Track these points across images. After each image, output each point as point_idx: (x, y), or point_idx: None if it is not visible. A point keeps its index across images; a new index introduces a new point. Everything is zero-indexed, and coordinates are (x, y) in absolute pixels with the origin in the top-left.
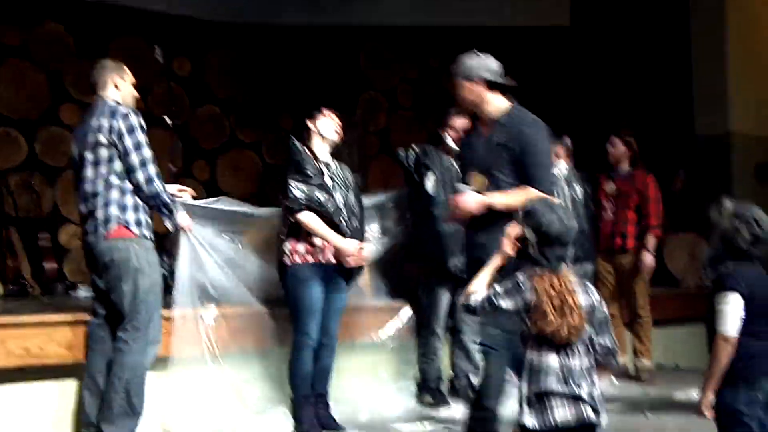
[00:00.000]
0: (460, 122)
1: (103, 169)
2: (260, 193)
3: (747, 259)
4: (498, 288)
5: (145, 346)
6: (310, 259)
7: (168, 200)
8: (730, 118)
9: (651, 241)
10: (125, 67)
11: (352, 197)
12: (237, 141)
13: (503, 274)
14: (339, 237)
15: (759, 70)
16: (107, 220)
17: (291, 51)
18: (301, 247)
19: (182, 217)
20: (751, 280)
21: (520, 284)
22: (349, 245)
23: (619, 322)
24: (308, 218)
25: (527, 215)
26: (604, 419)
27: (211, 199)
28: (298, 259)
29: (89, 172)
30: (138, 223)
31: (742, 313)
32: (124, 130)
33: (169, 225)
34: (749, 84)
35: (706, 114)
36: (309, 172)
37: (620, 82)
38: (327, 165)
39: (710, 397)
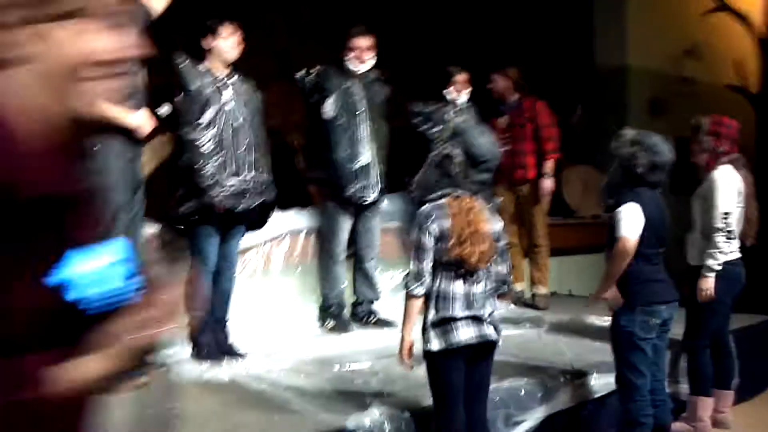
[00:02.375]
0: (362, 41)
1: None
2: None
3: (645, 185)
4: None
5: None
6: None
7: None
8: (628, 52)
9: (548, 165)
10: None
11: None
12: None
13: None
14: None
15: (657, 4)
16: None
17: None
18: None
19: None
20: (647, 204)
21: (442, 208)
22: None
23: (517, 250)
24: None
25: (456, 135)
26: (500, 337)
27: None
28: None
29: None
30: None
31: (640, 220)
32: None
33: None
34: (647, 16)
35: (605, 47)
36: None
37: (519, 14)
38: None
39: (604, 294)
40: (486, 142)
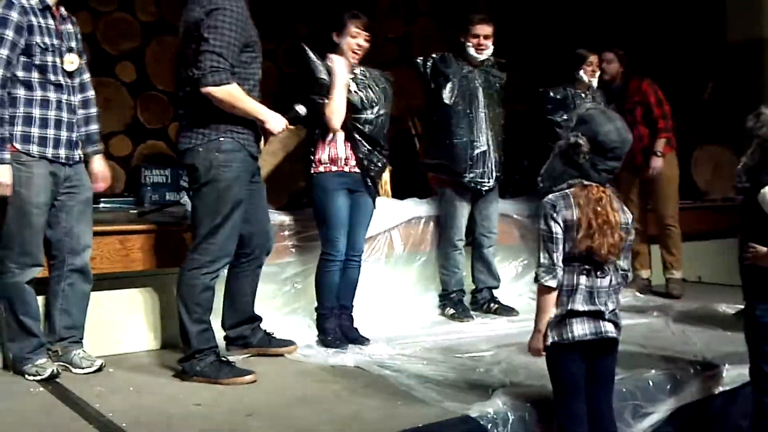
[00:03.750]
0: (482, 29)
1: None
2: (277, 102)
3: None
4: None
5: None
6: (333, 168)
7: None
8: (764, 23)
9: (660, 143)
10: None
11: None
12: None
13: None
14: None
15: None
16: None
17: None
18: (325, 156)
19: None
20: None
21: (569, 196)
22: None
23: (642, 237)
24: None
25: (582, 122)
26: (620, 334)
27: None
28: (321, 169)
29: None
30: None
31: None
32: None
33: None
34: None
35: (738, 19)
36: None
37: None
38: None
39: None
40: (613, 128)
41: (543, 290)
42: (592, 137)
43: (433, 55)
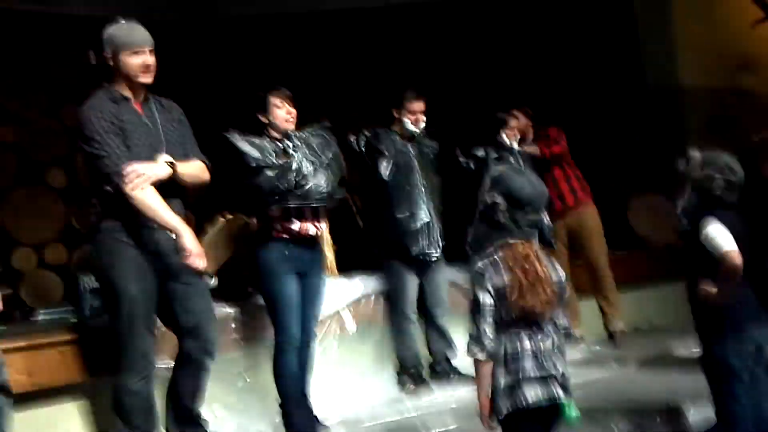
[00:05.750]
0: (419, 105)
1: None
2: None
3: (722, 206)
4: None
5: None
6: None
7: None
8: (680, 70)
9: (535, 148)
10: None
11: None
12: None
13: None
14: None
15: (707, 19)
16: None
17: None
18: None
19: None
20: (729, 224)
21: (498, 262)
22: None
23: (572, 291)
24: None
25: (495, 183)
26: (571, 397)
27: None
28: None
29: None
30: None
31: (730, 236)
32: None
33: None
34: (695, 32)
35: (654, 67)
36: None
37: (562, 39)
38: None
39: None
40: (526, 181)
41: (476, 362)
42: (507, 194)
43: (365, 132)
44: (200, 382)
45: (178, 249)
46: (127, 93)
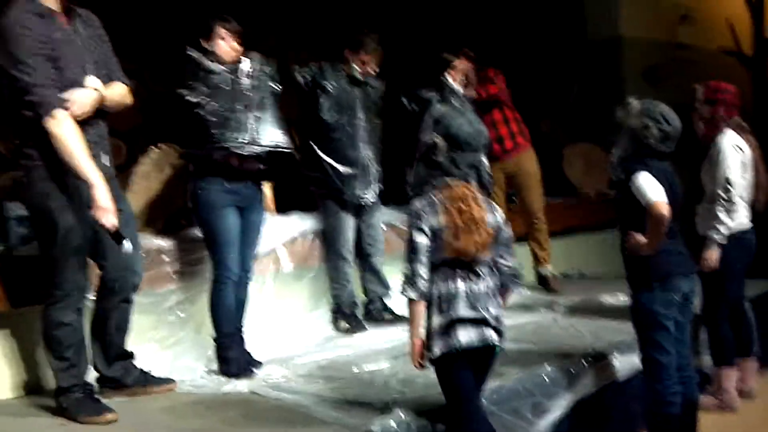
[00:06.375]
0: (371, 58)
1: None
2: (144, 125)
3: (657, 156)
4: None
5: None
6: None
7: None
8: (621, 22)
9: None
10: None
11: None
12: None
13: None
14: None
15: None
16: None
17: None
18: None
19: None
20: (659, 175)
21: (435, 202)
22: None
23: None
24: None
25: (436, 123)
26: (505, 341)
27: None
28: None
29: None
30: None
31: (660, 187)
32: None
33: None
34: None
35: (597, 18)
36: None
37: None
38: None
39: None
40: (465, 121)
41: (409, 302)
42: (446, 134)
43: (312, 67)
44: (125, 315)
45: (89, 200)
46: (52, 4)
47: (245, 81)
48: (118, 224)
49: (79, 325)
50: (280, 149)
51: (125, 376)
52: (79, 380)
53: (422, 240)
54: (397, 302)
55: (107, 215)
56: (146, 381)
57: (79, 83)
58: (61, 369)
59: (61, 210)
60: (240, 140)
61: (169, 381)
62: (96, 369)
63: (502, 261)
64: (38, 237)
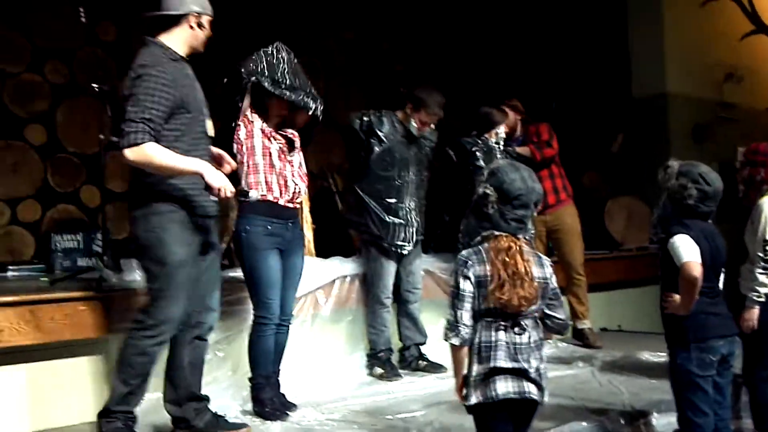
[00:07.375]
0: (434, 117)
1: None
2: None
3: (696, 216)
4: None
5: None
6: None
7: None
8: (667, 80)
9: (524, 149)
10: None
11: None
12: None
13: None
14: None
15: (694, 30)
16: None
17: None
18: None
19: None
20: (700, 234)
21: (482, 251)
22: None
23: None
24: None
25: (491, 175)
26: (546, 396)
27: None
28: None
29: None
30: None
31: (696, 248)
32: None
33: None
34: (685, 44)
35: (643, 75)
36: None
37: (555, 45)
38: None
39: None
40: (518, 177)
41: (451, 347)
42: (498, 187)
43: (371, 114)
44: (199, 353)
45: (206, 188)
46: (181, 50)
47: None
48: (233, 188)
49: (156, 359)
50: None
51: (197, 419)
52: (129, 408)
53: (467, 287)
54: (432, 349)
55: (225, 190)
56: (218, 425)
57: (202, 126)
58: (121, 394)
59: (174, 244)
60: None
61: (242, 426)
62: (164, 402)
63: (551, 313)
64: (145, 267)
